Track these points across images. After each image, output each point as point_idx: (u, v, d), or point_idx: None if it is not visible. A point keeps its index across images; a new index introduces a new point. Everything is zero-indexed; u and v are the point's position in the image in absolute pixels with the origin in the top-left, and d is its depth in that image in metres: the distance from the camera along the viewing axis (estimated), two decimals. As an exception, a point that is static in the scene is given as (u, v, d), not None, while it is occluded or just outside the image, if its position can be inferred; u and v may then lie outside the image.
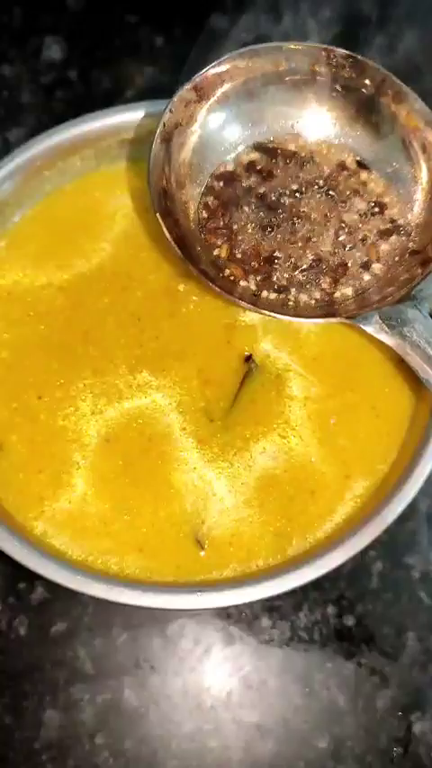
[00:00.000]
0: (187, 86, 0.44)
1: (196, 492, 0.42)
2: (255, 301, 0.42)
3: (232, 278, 0.43)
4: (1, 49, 0.60)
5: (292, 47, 0.44)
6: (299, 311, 0.43)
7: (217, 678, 0.46)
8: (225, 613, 0.47)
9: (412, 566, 0.48)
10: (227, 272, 0.43)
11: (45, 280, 0.46)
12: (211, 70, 0.44)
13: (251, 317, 0.45)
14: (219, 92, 0.45)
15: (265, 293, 0.43)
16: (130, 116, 0.47)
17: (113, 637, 0.46)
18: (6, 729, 0.45)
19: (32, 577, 0.47)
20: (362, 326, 0.41)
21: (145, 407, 0.44)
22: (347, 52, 0.44)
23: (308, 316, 0.42)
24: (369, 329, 0.41)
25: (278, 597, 0.47)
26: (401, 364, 0.45)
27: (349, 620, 0.47)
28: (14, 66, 0.59)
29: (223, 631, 0.47)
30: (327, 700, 0.46)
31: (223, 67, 0.44)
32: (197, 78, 0.44)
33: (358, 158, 0.46)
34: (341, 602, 0.47)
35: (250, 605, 0.47)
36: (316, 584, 0.47)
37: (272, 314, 0.42)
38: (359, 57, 0.44)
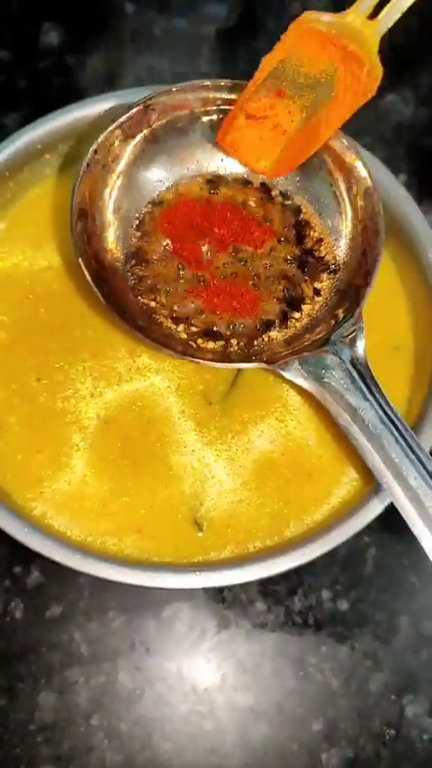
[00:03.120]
0: (112, 128, 0.43)
1: (195, 474, 0.43)
2: (186, 349, 0.41)
3: (162, 325, 0.42)
4: (-2, 33, 0.60)
5: (213, 84, 0.44)
6: (227, 356, 0.42)
7: (211, 661, 0.46)
8: (220, 597, 0.47)
9: (405, 551, 0.49)
10: (157, 318, 0.42)
11: (45, 263, 0.46)
12: (136, 108, 0.43)
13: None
14: (146, 131, 0.44)
15: (197, 339, 0.42)
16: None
17: (108, 620, 0.47)
18: (1, 711, 0.45)
19: (28, 561, 0.47)
20: (281, 372, 0.40)
21: (144, 390, 0.44)
22: None
23: (231, 361, 0.41)
24: (288, 375, 0.40)
25: (273, 582, 0.47)
26: (397, 351, 0.46)
27: (343, 605, 0.48)
28: (12, 51, 0.59)
29: (218, 615, 0.47)
30: (320, 683, 0.46)
31: (149, 106, 0.43)
32: (123, 119, 0.43)
33: (287, 195, 0.45)
34: (335, 586, 0.48)
35: (245, 590, 0.47)
36: (310, 569, 0.48)
37: (196, 360, 0.41)
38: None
